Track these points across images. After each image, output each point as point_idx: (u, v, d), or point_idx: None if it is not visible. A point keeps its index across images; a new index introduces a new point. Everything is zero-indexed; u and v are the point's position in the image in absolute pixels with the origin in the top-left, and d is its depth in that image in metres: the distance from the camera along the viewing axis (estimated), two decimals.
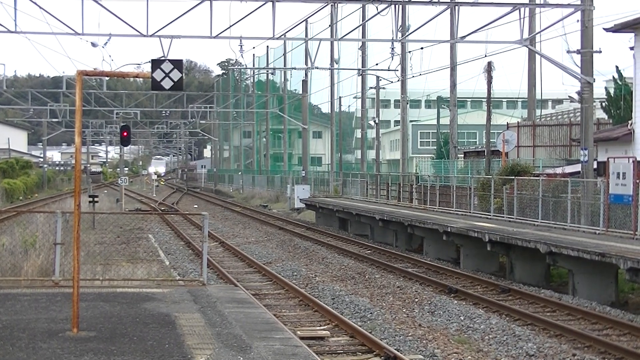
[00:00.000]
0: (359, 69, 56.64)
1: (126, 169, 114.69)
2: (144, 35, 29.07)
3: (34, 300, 13.83)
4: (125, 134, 39.58)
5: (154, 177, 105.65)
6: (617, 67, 45.67)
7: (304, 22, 45.62)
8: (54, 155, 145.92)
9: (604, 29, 31.96)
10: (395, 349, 14.74)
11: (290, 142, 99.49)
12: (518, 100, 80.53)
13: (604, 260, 19.70)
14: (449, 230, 27.91)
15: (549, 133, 46.77)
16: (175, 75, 11.47)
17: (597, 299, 20.82)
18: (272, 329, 12.01)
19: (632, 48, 31.78)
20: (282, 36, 34.65)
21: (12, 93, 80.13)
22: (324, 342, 15.78)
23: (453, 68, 42.45)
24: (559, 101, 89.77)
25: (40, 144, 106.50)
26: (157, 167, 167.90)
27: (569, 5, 28.49)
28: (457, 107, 45.33)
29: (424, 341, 16.30)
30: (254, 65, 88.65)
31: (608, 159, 25.73)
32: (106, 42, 35.77)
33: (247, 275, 25.79)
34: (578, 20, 27.80)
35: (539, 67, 45.22)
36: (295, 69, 69.90)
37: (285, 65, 71.57)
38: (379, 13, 31.85)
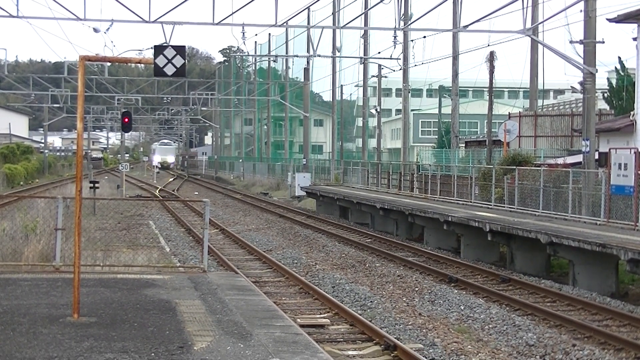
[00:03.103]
0: (361, 58, 56.57)
1: (127, 155, 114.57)
2: (146, 21, 29.01)
3: (34, 285, 13.82)
4: (126, 120, 39.46)
5: (157, 166, 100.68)
6: (619, 57, 45.60)
7: (307, 9, 45.52)
8: (55, 140, 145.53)
9: (607, 19, 31.87)
10: (395, 338, 14.73)
11: (291, 130, 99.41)
12: (520, 90, 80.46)
13: (604, 251, 19.70)
14: (450, 219, 27.92)
15: (550, 123, 46.70)
16: (178, 61, 11.39)
17: (598, 289, 20.83)
18: (273, 316, 12.00)
19: (635, 39, 31.69)
20: (285, 24, 34.61)
21: (13, 78, 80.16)
22: (324, 330, 15.80)
23: (455, 57, 42.35)
24: (561, 91, 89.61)
25: (41, 129, 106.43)
26: (165, 155, 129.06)
27: None
28: (459, 97, 45.25)
29: (424, 330, 16.31)
30: (255, 53, 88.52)
31: (610, 149, 25.68)
32: (108, 28, 35.95)
33: (247, 262, 25.80)
34: (581, 10, 27.72)
35: (542, 57, 45.06)
36: (297, 56, 69.68)
37: (287, 52, 71.45)
38: (381, 1, 31.81)
